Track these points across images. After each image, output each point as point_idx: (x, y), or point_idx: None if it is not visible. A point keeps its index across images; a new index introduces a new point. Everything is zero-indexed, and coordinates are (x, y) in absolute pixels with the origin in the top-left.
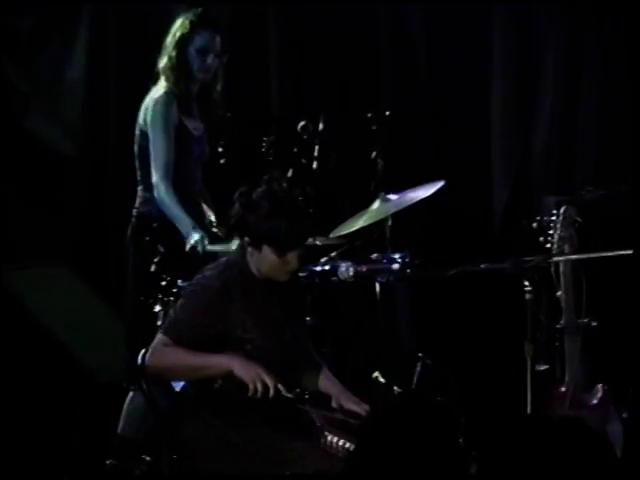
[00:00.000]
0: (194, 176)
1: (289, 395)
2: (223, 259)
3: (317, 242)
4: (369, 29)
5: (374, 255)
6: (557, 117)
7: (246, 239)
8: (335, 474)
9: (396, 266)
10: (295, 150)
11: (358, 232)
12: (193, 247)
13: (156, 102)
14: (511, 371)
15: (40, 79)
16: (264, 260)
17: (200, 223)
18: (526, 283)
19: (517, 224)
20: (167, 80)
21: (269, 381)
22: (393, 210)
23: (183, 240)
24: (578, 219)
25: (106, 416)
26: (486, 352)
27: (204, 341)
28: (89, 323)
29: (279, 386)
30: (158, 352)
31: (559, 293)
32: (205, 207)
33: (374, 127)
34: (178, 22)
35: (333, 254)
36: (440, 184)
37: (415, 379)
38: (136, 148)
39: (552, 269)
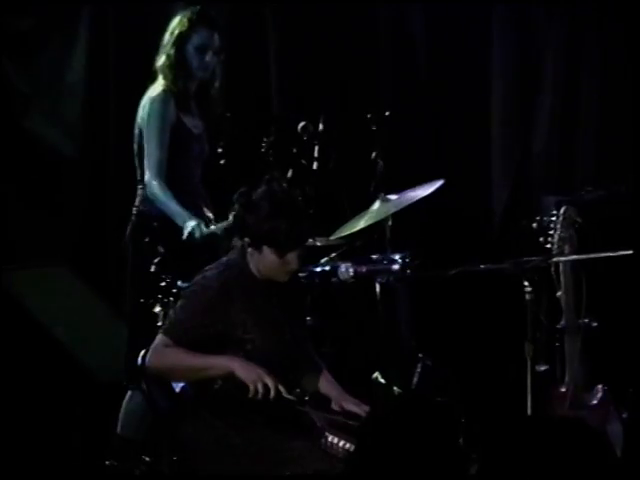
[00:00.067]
0: (193, 174)
1: (289, 396)
2: (223, 259)
3: (317, 242)
4: (369, 29)
5: (374, 255)
6: (557, 117)
7: (246, 239)
8: (335, 474)
9: (396, 266)
10: (295, 150)
11: (358, 233)
12: (190, 234)
13: (153, 100)
14: (511, 371)
15: (40, 79)
16: (264, 260)
17: (199, 218)
18: (526, 283)
19: (517, 224)
20: (165, 78)
21: (270, 382)
22: (393, 210)
23: (181, 235)
24: (578, 219)
25: (106, 416)
26: (486, 352)
27: (204, 341)
28: (89, 323)
29: (280, 387)
30: (158, 353)
31: (559, 293)
32: (204, 206)
33: (374, 127)
34: (176, 20)
35: (333, 254)
36: (439, 183)
37: (415, 379)
38: (135, 147)
39: (552, 269)
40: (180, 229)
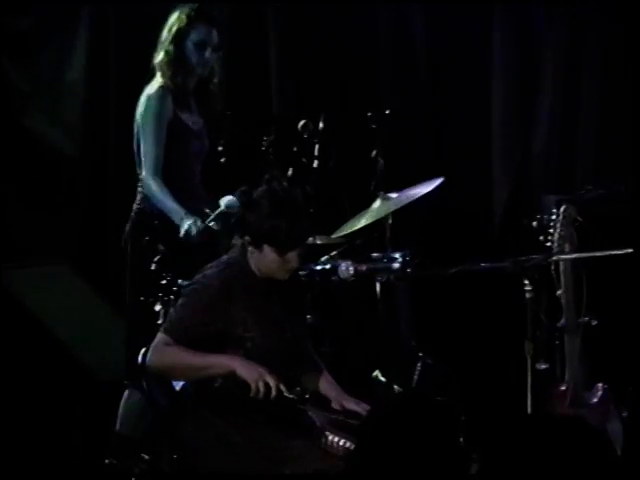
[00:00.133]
0: (193, 172)
1: (291, 395)
2: (224, 258)
3: (317, 241)
4: (369, 29)
5: (374, 254)
6: (557, 117)
7: (246, 238)
8: (335, 473)
9: (396, 265)
10: (295, 149)
11: (359, 231)
12: (187, 232)
13: (149, 97)
14: (511, 370)
15: (40, 78)
16: (264, 259)
17: (198, 215)
18: (526, 282)
19: (517, 223)
20: (163, 75)
21: (271, 381)
22: (393, 208)
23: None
24: (578, 218)
25: (106, 414)
26: (486, 351)
27: (205, 340)
28: (89, 322)
29: (281, 386)
30: (159, 351)
31: (559, 292)
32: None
33: (374, 126)
34: (174, 16)
35: (333, 253)
36: (439, 181)
37: (415, 378)
38: (135, 145)
39: (552, 268)
40: (178, 227)
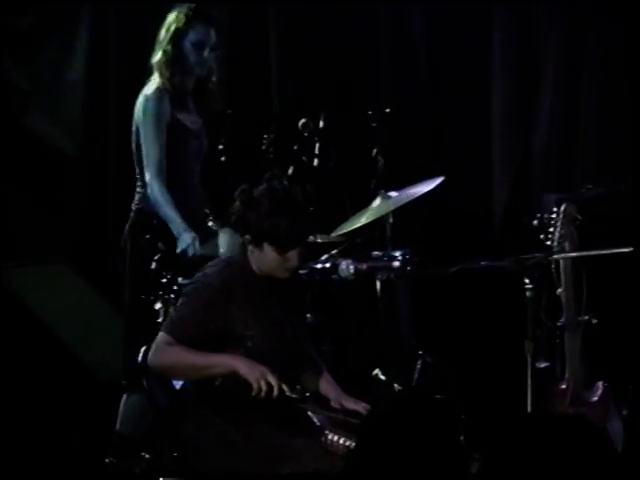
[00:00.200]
0: (192, 173)
1: (293, 395)
2: (224, 256)
3: (318, 240)
4: (369, 29)
5: (374, 253)
6: (557, 117)
7: (247, 237)
8: (335, 472)
9: (396, 264)
10: (295, 148)
11: (359, 229)
12: (184, 250)
13: (147, 99)
14: (511, 368)
15: (40, 78)
16: (265, 258)
17: (198, 218)
18: (526, 280)
19: (517, 222)
20: (161, 75)
21: (273, 381)
22: (393, 207)
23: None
24: (578, 217)
25: (106, 414)
26: (486, 350)
27: (205, 339)
28: (89, 321)
29: (283, 386)
30: (161, 351)
31: (559, 290)
32: (201, 206)
33: (374, 125)
34: (172, 16)
35: (334, 252)
36: (439, 180)
37: (415, 377)
38: (133, 146)
39: (552, 266)
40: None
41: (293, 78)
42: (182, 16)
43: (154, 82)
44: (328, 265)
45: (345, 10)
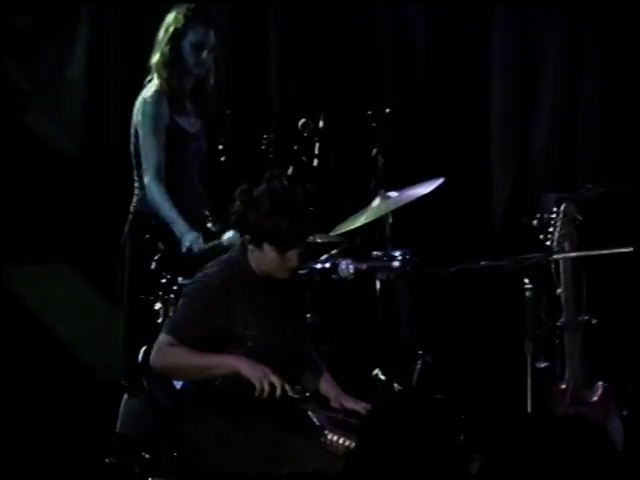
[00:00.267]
0: (191, 175)
1: (295, 395)
2: (224, 256)
3: (317, 240)
4: (369, 29)
5: (374, 253)
6: (557, 117)
7: (247, 237)
8: (335, 472)
9: (396, 264)
10: (295, 148)
11: (358, 230)
12: (189, 249)
13: (145, 101)
14: (511, 368)
15: (40, 77)
16: (265, 258)
17: (197, 219)
18: (526, 280)
19: (517, 222)
20: (159, 77)
21: (276, 381)
22: (393, 207)
23: (177, 244)
24: (578, 216)
25: (106, 414)
26: (486, 349)
27: (206, 339)
28: (89, 321)
29: (286, 386)
30: (163, 352)
31: (559, 290)
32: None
33: (374, 125)
34: (170, 17)
35: (333, 252)
36: (439, 181)
37: (415, 377)
38: (132, 147)
39: (552, 266)
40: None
41: (293, 78)
42: (181, 17)
43: (152, 84)
44: (328, 265)
45: (345, 10)
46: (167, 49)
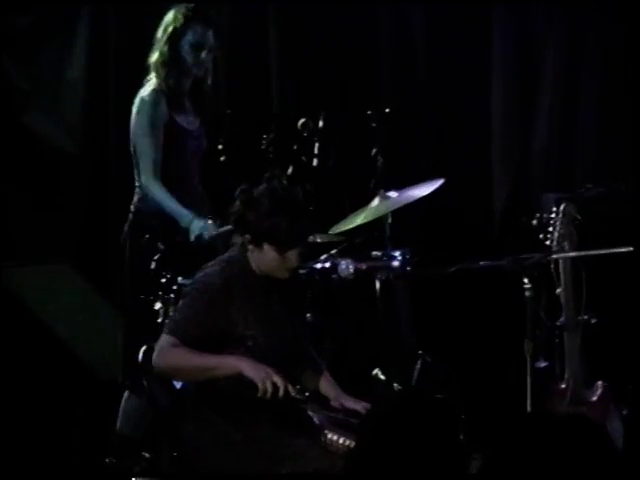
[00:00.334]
0: (191, 174)
1: (298, 396)
2: (224, 256)
3: (317, 239)
4: (369, 29)
5: (374, 252)
6: (557, 117)
7: (247, 236)
8: (335, 472)
9: (396, 263)
10: (295, 147)
11: (358, 229)
12: (198, 236)
13: (143, 100)
14: (511, 368)
15: (40, 77)
16: (264, 257)
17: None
18: (526, 280)
19: (517, 221)
20: (157, 76)
21: (279, 381)
22: (392, 208)
23: (184, 235)
24: (578, 216)
25: (106, 414)
26: (486, 349)
27: (207, 339)
28: (89, 320)
29: (289, 387)
30: (165, 353)
31: (559, 290)
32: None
33: (374, 125)
34: (170, 16)
35: (333, 251)
36: (439, 182)
37: (415, 376)
38: (131, 147)
39: (552, 266)
40: (181, 228)
41: (293, 78)
42: (180, 16)
43: (151, 84)
44: (328, 265)
45: (345, 10)
46: (166, 48)
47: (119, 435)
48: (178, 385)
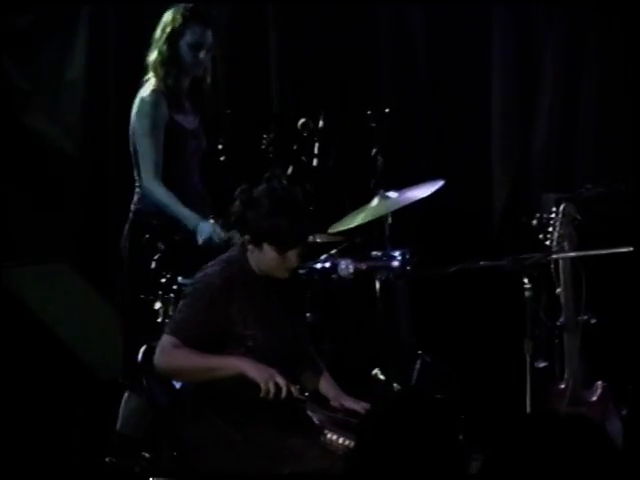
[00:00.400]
0: (191, 173)
1: (300, 396)
2: (224, 256)
3: (317, 239)
4: (369, 29)
5: (374, 252)
6: (557, 117)
7: (246, 236)
8: (335, 472)
9: (396, 263)
10: (295, 147)
11: (358, 229)
12: (208, 240)
13: (143, 101)
14: (511, 368)
15: (40, 77)
16: (264, 257)
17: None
18: (525, 280)
19: (517, 221)
20: (156, 76)
21: (281, 382)
22: (392, 208)
23: (189, 236)
24: (577, 216)
25: (106, 413)
26: (486, 349)
27: (207, 339)
28: (89, 320)
29: (291, 387)
30: (167, 353)
31: (558, 290)
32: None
33: (374, 124)
34: (168, 16)
35: (333, 251)
36: (439, 184)
37: (415, 376)
38: (131, 147)
39: (551, 266)
40: (183, 228)
41: (293, 78)
42: (179, 16)
43: (150, 84)
44: (327, 265)
45: (345, 10)
46: (164, 48)
47: (119, 435)
48: (178, 385)
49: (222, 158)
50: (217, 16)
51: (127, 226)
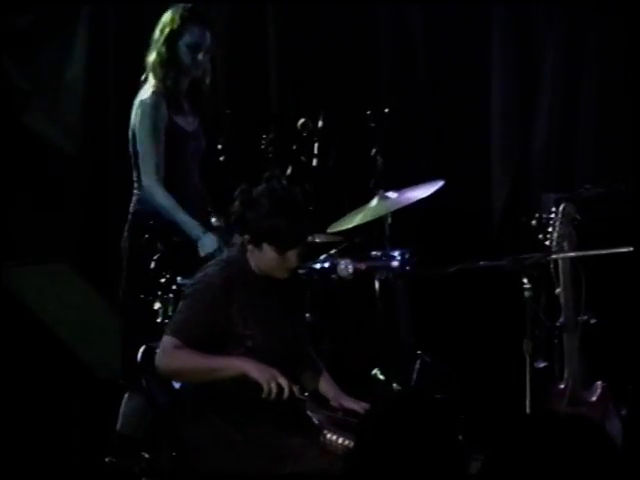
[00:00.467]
0: (192, 174)
1: (302, 397)
2: (224, 256)
3: (317, 240)
4: (369, 29)
5: (373, 252)
6: (556, 117)
7: (246, 237)
8: (334, 472)
9: (395, 263)
10: (295, 147)
11: (357, 229)
12: (211, 254)
13: (144, 104)
14: (510, 368)
15: (40, 77)
16: (264, 258)
17: (198, 217)
18: (525, 280)
19: (516, 221)
20: (155, 77)
21: (283, 382)
22: (391, 209)
23: (185, 238)
24: (577, 216)
25: (105, 413)
26: (485, 349)
27: (208, 339)
28: (89, 320)
29: (293, 388)
30: (169, 354)
31: (558, 290)
32: (203, 205)
33: (373, 125)
34: (167, 17)
35: (332, 251)
36: (439, 184)
37: (414, 376)
38: (131, 148)
39: (551, 266)
40: (182, 232)
41: (292, 78)
42: (177, 17)
43: (149, 85)
44: (327, 265)
45: (345, 10)
46: (163, 49)
47: (119, 435)
48: (177, 385)
49: (222, 158)
50: (216, 16)
51: (126, 228)
